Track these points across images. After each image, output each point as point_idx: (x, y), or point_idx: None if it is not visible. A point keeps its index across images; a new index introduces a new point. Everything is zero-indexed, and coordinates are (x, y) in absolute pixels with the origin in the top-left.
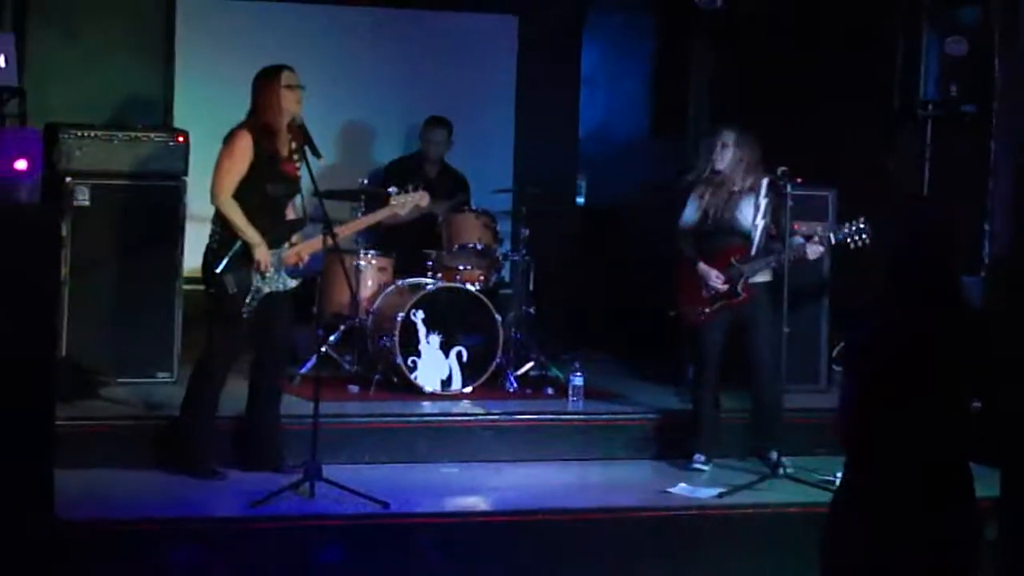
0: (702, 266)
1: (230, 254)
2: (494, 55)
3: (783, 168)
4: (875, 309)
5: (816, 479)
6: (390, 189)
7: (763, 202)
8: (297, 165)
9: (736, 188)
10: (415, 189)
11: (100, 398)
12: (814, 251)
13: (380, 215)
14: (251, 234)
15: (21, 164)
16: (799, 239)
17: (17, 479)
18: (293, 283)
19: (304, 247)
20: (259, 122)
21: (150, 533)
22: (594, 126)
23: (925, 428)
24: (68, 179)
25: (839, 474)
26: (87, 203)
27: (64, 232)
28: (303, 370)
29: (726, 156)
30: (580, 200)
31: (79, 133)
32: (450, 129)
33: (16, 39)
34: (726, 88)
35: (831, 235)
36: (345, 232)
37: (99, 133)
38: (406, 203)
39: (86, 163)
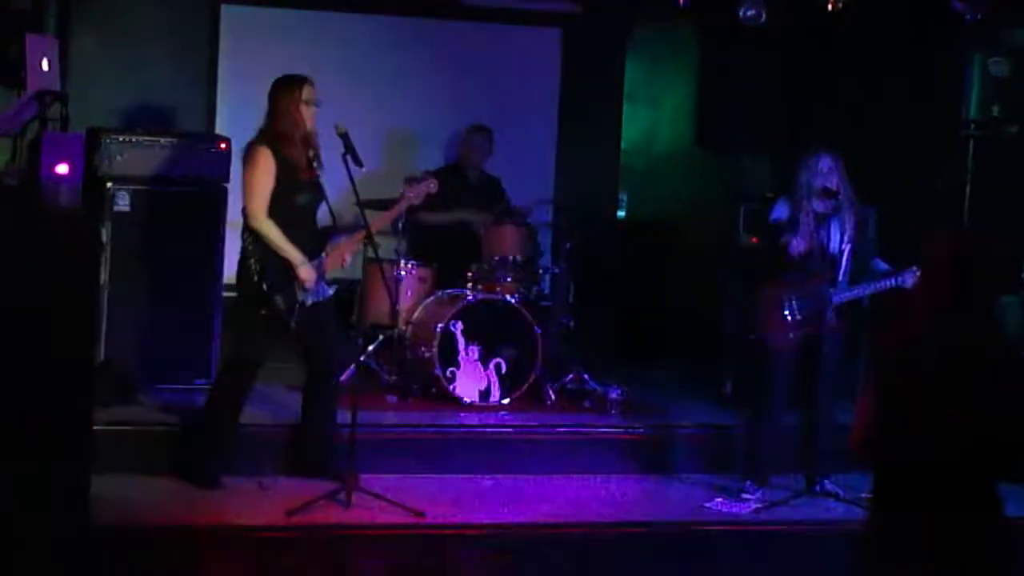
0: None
1: (273, 270)
2: (538, 67)
3: (825, 186)
4: (904, 323)
5: (852, 496)
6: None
7: (848, 228)
8: (316, 172)
9: (824, 211)
10: (427, 173)
11: (138, 403)
12: (912, 276)
13: (398, 208)
14: (292, 252)
15: (62, 168)
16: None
17: (53, 483)
18: (331, 290)
19: (344, 249)
20: (276, 132)
21: (186, 540)
22: (636, 139)
23: (946, 446)
24: (109, 184)
25: None
26: (127, 208)
27: (104, 237)
28: (342, 379)
29: (831, 177)
30: (621, 213)
31: (121, 138)
32: (491, 136)
33: (59, 43)
34: (769, 103)
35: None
36: (362, 238)
37: (141, 138)
38: (419, 192)
39: (127, 168)
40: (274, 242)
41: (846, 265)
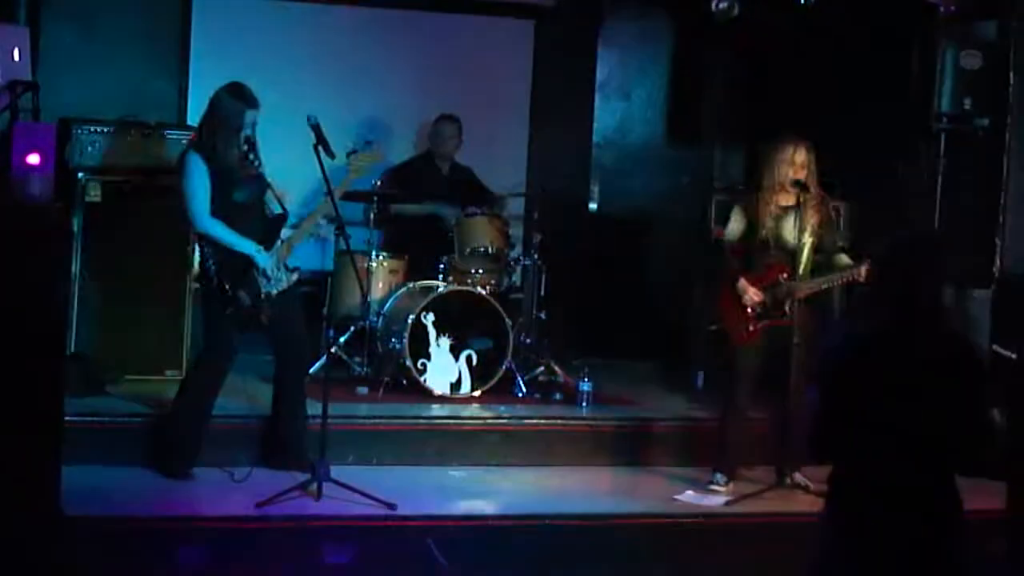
0: (743, 282)
1: (231, 267)
2: (510, 60)
3: (796, 179)
4: (857, 323)
5: (823, 489)
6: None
7: (811, 219)
8: (254, 166)
9: (788, 203)
10: (368, 144)
11: (109, 395)
12: (867, 270)
13: (345, 184)
14: (246, 246)
15: (34, 159)
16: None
17: (24, 474)
18: (295, 276)
19: (295, 237)
20: (208, 139)
21: (156, 531)
22: (608, 132)
23: (903, 445)
24: (80, 175)
25: None
26: (99, 199)
27: (75, 228)
28: (312, 371)
29: (802, 170)
30: (593, 206)
31: (92, 128)
32: (460, 125)
33: (30, 33)
34: (740, 97)
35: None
36: (313, 220)
37: (112, 129)
38: (362, 165)
39: (99, 159)
40: (224, 240)
41: (807, 258)
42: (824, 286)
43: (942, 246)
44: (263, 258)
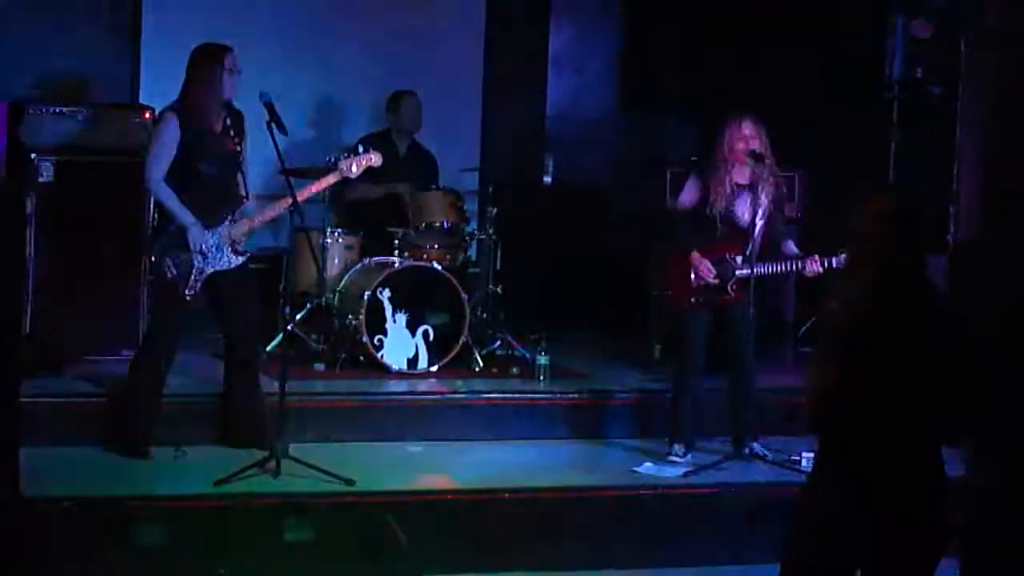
0: (695, 256)
1: (166, 238)
2: (462, 33)
3: (752, 150)
4: (847, 292)
5: (781, 459)
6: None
7: (764, 200)
8: (235, 140)
9: (742, 181)
10: (366, 151)
11: (65, 375)
12: (812, 269)
13: (329, 179)
14: (183, 216)
15: None
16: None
17: None
18: (240, 259)
19: (256, 219)
20: (192, 100)
21: (115, 510)
22: (562, 104)
23: (897, 413)
24: (33, 155)
25: (804, 453)
26: (52, 179)
27: (29, 208)
28: (270, 348)
29: (754, 141)
30: (547, 179)
31: (44, 109)
32: (419, 100)
33: None
34: (693, 67)
35: (833, 258)
36: (278, 210)
37: (65, 109)
38: (355, 164)
39: (51, 139)
40: (166, 204)
41: (759, 240)
42: (769, 272)
43: (921, 210)
44: (196, 233)
